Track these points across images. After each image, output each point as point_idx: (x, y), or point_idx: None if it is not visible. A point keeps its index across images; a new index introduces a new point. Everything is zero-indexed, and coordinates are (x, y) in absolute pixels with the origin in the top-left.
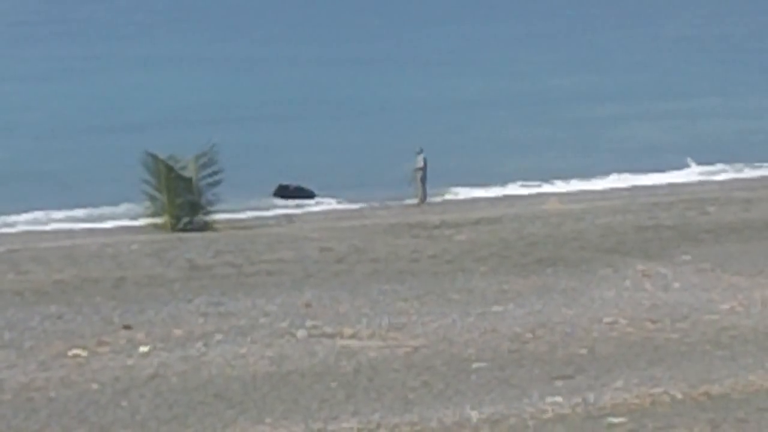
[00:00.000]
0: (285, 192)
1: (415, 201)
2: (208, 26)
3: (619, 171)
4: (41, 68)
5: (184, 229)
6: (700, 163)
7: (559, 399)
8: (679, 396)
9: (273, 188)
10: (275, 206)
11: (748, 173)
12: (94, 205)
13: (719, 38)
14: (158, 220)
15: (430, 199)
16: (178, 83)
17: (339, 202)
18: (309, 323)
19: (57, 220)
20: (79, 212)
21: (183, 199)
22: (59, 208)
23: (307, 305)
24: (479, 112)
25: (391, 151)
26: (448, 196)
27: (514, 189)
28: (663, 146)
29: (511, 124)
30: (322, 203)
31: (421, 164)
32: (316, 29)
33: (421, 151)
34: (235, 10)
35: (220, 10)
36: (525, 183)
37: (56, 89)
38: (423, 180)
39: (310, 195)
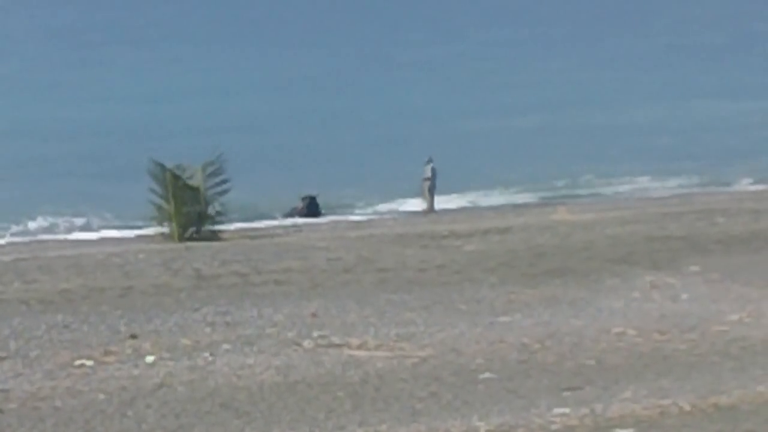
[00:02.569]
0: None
1: (423, 209)
2: (218, 35)
3: (629, 180)
4: (42, 79)
5: (191, 239)
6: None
7: (566, 410)
8: (688, 407)
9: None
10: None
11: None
12: (102, 215)
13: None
14: (165, 230)
15: (438, 208)
16: (188, 92)
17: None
18: (316, 333)
19: (64, 229)
20: (87, 221)
21: (190, 209)
22: (66, 216)
23: (314, 315)
24: (487, 120)
25: (401, 160)
26: (455, 205)
27: (522, 198)
28: (673, 155)
29: (519, 133)
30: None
31: (428, 174)
32: (323, 37)
33: (430, 161)
34: (245, 20)
35: (231, 18)
36: (533, 193)
37: (59, 97)
38: (431, 190)
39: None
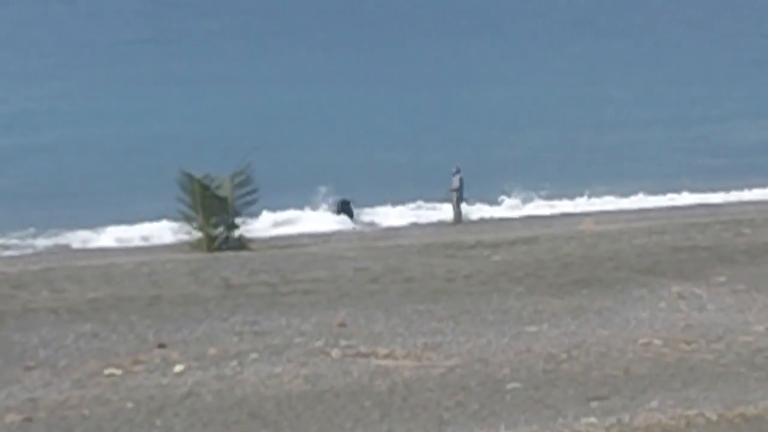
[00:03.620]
0: (346, 208)
1: (450, 220)
2: (236, 46)
3: (656, 191)
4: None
5: (219, 248)
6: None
7: (593, 420)
8: (714, 417)
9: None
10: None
11: None
12: (130, 224)
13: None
14: (194, 239)
15: (466, 218)
16: (210, 102)
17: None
18: (343, 342)
19: (93, 238)
20: (115, 231)
21: (218, 218)
22: (95, 226)
23: (342, 325)
24: (514, 130)
25: (428, 169)
26: (483, 215)
27: (549, 209)
28: (700, 166)
29: (545, 142)
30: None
31: (456, 185)
32: (343, 44)
33: (458, 171)
34: (257, 28)
35: (244, 28)
36: (560, 202)
37: (87, 107)
38: (459, 200)
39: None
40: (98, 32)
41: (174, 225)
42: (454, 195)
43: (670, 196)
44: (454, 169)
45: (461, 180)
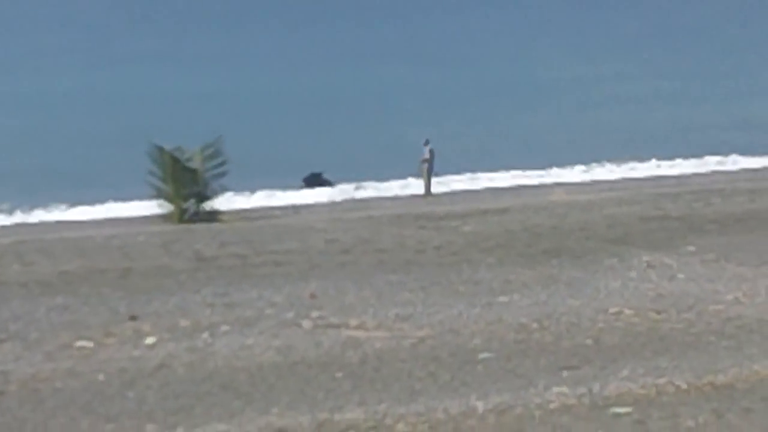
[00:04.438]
0: (314, 181)
1: (421, 192)
2: (214, 22)
3: (623, 161)
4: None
5: (190, 221)
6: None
7: (565, 389)
8: (684, 386)
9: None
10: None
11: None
12: (100, 197)
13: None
14: (165, 212)
15: (436, 190)
16: (184, 77)
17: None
18: (315, 314)
19: (62, 210)
20: (85, 204)
21: (189, 191)
22: (65, 199)
23: (313, 296)
24: (485, 102)
25: (399, 142)
26: (453, 186)
27: (519, 179)
28: (667, 136)
29: (516, 114)
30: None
31: (427, 155)
32: (320, 22)
33: (427, 143)
34: (236, 5)
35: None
36: (530, 173)
37: (58, 84)
38: (429, 171)
39: (330, 184)
40: (80, 13)
41: (145, 197)
42: (425, 166)
43: (638, 165)
44: (424, 140)
45: (431, 151)
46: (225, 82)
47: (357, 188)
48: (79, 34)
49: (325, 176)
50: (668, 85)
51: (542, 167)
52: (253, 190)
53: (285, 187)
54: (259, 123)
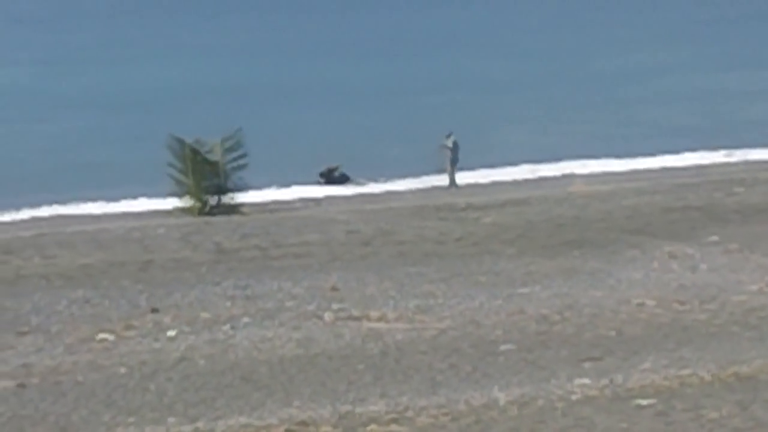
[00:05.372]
0: (330, 176)
1: (444, 183)
2: (230, 13)
3: (646, 152)
4: (58, 54)
5: (210, 213)
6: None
7: (587, 381)
8: (708, 377)
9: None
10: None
11: None
12: (121, 189)
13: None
14: (185, 204)
15: (459, 181)
16: (203, 68)
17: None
18: (336, 306)
19: (84, 203)
20: (106, 196)
21: (209, 183)
22: (86, 192)
23: (334, 288)
24: (506, 93)
25: (421, 134)
26: (474, 178)
27: (540, 171)
28: (691, 126)
29: (536, 105)
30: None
31: (449, 146)
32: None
33: (450, 135)
34: None
35: None
36: (551, 165)
37: (80, 76)
38: (452, 163)
39: (347, 178)
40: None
41: (165, 190)
42: (447, 157)
43: (660, 157)
44: (446, 132)
45: (454, 143)
46: (241, 75)
47: (377, 181)
48: (94, 30)
49: (342, 170)
50: (702, 79)
51: (560, 159)
52: (270, 184)
53: (302, 182)
54: (277, 115)
